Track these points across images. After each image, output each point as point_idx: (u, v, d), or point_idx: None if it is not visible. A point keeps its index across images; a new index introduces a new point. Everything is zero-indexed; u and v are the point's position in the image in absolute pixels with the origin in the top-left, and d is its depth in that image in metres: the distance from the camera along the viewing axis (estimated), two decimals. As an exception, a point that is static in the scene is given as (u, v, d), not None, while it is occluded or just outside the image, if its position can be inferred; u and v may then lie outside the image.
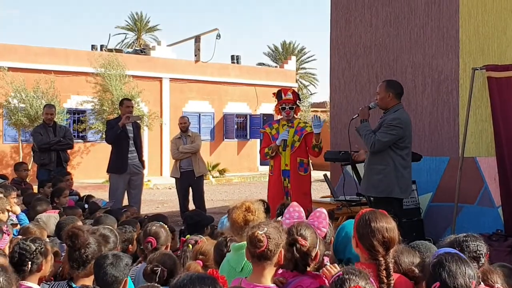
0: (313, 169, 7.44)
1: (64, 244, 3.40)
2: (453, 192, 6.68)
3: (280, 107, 6.93)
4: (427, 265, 2.50)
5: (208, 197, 10.97)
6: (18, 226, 5.11)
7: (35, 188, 8.19)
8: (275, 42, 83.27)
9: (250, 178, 20.99)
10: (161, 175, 20.40)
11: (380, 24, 7.71)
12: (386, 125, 5.45)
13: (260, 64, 40.44)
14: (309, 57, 46.07)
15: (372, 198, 5.71)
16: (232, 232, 3.45)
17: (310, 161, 6.98)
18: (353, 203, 6.73)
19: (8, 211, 5.03)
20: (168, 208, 11.92)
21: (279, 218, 3.22)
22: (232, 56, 24.13)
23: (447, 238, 3.05)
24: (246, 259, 2.87)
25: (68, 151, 8.68)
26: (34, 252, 3.16)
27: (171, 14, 77.85)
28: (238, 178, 20.87)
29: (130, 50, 25.96)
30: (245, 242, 2.79)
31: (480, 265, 2.80)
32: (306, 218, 2.98)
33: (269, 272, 2.72)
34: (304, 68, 45.55)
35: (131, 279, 3.33)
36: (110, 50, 20.43)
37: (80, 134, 18.89)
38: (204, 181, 9.48)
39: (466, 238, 2.91)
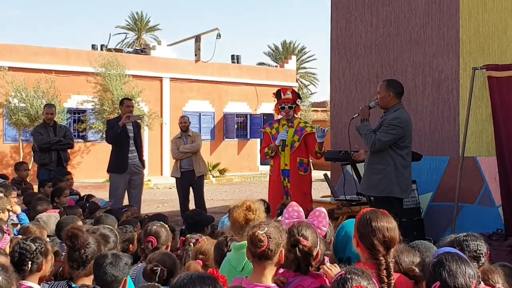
0: (313, 169, 7.42)
1: (64, 244, 3.40)
2: (453, 191, 6.68)
3: (279, 106, 6.91)
4: (427, 264, 2.49)
5: (208, 196, 10.98)
6: (19, 226, 5.11)
7: (36, 188, 8.20)
8: (275, 41, 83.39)
9: (250, 178, 20.97)
10: (161, 174, 20.39)
11: (381, 24, 7.71)
12: (386, 125, 5.44)
13: (260, 63, 40.48)
14: (309, 57, 46.21)
15: (372, 198, 5.71)
16: (232, 232, 3.45)
17: (311, 161, 6.97)
18: (353, 202, 6.74)
19: (8, 210, 5.04)
20: (168, 208, 11.91)
21: (279, 218, 3.22)
22: (232, 56, 24.12)
23: (447, 237, 3.05)
24: (246, 258, 2.87)
25: (68, 150, 8.68)
26: (34, 252, 3.16)
27: (171, 14, 77.96)
28: (239, 178, 20.85)
29: (130, 49, 25.97)
30: (246, 242, 2.79)
31: (480, 264, 2.80)
32: (306, 218, 2.98)
33: (270, 271, 2.72)
34: (305, 68, 45.60)
35: (131, 278, 3.33)
36: (110, 50, 20.45)
37: (81, 134, 18.88)
38: (205, 180, 9.49)
39: (466, 238, 2.91)
